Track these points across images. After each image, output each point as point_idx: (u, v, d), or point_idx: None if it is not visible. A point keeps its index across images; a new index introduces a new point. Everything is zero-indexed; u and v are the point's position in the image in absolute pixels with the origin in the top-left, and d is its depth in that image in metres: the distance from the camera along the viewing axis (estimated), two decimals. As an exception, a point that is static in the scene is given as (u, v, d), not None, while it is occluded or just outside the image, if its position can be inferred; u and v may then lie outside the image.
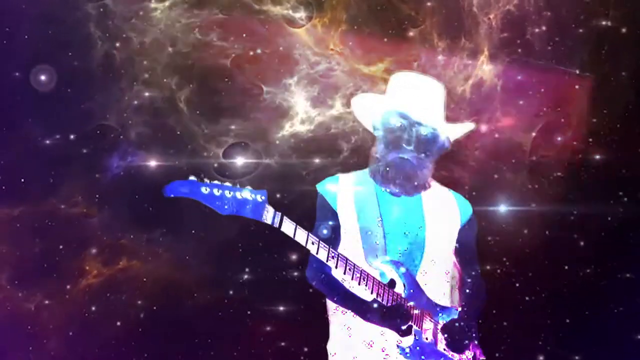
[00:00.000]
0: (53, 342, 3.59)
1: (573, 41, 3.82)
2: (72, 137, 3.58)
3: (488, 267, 3.68)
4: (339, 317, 2.43)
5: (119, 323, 3.65)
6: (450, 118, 2.54)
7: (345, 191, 2.42)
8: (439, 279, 2.44)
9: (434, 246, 2.42)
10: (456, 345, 2.31)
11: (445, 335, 2.32)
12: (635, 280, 3.83)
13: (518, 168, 3.87)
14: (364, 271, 2.26)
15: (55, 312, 3.60)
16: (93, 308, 3.64)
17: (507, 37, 3.81)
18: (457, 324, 2.32)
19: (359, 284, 2.23)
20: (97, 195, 3.63)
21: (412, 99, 2.33)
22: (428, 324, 2.33)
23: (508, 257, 3.81)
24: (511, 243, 3.79)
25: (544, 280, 3.84)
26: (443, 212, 2.46)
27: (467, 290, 2.44)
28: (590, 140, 3.89)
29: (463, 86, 3.81)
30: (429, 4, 3.76)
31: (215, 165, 3.64)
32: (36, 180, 3.55)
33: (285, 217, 2.13)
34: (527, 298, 3.83)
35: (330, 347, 2.47)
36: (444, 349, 2.35)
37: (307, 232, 2.17)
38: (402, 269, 2.32)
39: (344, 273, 2.22)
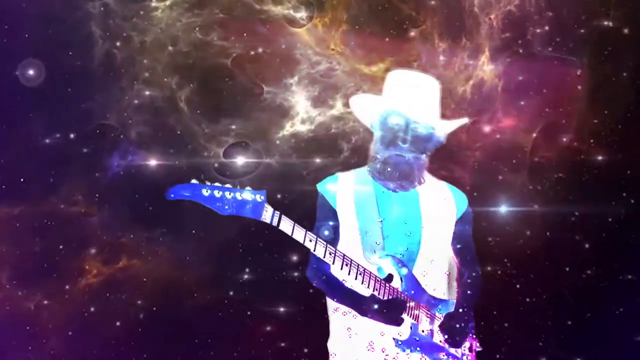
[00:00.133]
0: (53, 342, 3.58)
1: (574, 42, 3.81)
2: (72, 136, 3.57)
3: (489, 268, 3.67)
4: (339, 318, 2.44)
5: (118, 323, 3.65)
6: (451, 118, 2.55)
7: (344, 190, 2.45)
8: (437, 275, 2.47)
9: (432, 246, 2.45)
10: (452, 337, 2.36)
11: (442, 328, 2.36)
12: (637, 282, 3.82)
13: (519, 168, 3.86)
14: (361, 266, 2.29)
15: (54, 311, 3.59)
16: (92, 308, 3.63)
17: (508, 37, 3.81)
18: (453, 317, 2.37)
19: (356, 279, 2.27)
20: (97, 195, 3.63)
21: (407, 98, 2.38)
22: (425, 317, 2.37)
23: (509, 258, 3.80)
24: (512, 244, 3.79)
25: (545, 281, 3.83)
26: (440, 208, 2.49)
27: (464, 282, 2.48)
28: (592, 141, 3.88)
29: (464, 86, 3.81)
30: (430, 3, 3.76)
31: (216, 165, 3.64)
32: (36, 179, 3.55)
33: (283, 216, 2.18)
34: (527, 299, 3.82)
35: (331, 346, 2.49)
36: (441, 341, 2.39)
37: (304, 229, 2.21)
38: (399, 263, 2.35)
39: (341, 268, 2.26)
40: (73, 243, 3.62)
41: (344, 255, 2.27)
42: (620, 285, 3.84)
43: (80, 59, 3.55)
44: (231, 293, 3.73)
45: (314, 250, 2.23)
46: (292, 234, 2.20)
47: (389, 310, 2.26)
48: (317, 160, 3.68)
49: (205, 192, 2.10)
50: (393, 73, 2.50)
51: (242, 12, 3.65)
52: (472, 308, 2.46)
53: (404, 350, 2.34)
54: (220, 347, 3.73)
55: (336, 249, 2.27)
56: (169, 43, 3.64)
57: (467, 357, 2.45)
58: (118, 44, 3.60)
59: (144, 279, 3.69)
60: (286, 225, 2.19)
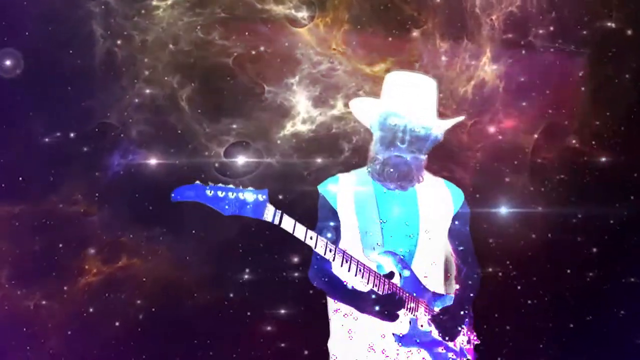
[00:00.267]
0: (52, 341, 3.57)
1: (576, 43, 3.81)
2: (72, 135, 3.57)
3: (490, 270, 3.66)
4: (339, 319, 2.45)
5: (118, 323, 3.64)
6: (450, 117, 2.57)
7: (345, 191, 2.47)
8: (437, 275, 2.49)
9: (430, 245, 2.46)
10: (450, 331, 2.40)
11: (434, 321, 2.39)
12: (638, 284, 3.82)
13: (520, 170, 3.86)
14: (361, 262, 2.31)
15: (54, 311, 3.58)
16: (92, 307, 3.62)
17: (510, 38, 3.81)
18: (447, 310, 2.41)
19: (356, 275, 2.29)
20: (97, 194, 3.62)
21: (405, 99, 2.41)
22: (423, 312, 2.39)
23: (510, 260, 3.80)
24: (513, 245, 3.78)
25: (546, 283, 3.83)
26: (438, 205, 2.51)
27: (462, 278, 2.51)
28: (593, 142, 3.87)
29: (465, 87, 3.81)
30: (431, 4, 3.76)
31: (216, 164, 3.63)
32: (36, 178, 3.54)
33: (284, 215, 2.21)
34: (529, 301, 3.82)
35: (331, 348, 2.49)
36: (438, 335, 2.41)
37: (305, 227, 2.25)
38: (399, 260, 2.37)
39: (341, 265, 2.28)
40: (73, 242, 3.62)
41: (344, 252, 2.30)
42: (621, 287, 3.84)
43: (81, 57, 3.55)
44: (231, 294, 3.72)
45: (315, 248, 2.25)
46: (293, 232, 2.23)
47: (387, 305, 2.28)
48: (318, 160, 3.68)
49: (209, 193, 2.15)
50: (391, 74, 2.54)
51: (243, 11, 3.65)
52: (470, 302, 2.49)
53: (405, 346, 2.36)
54: (220, 348, 3.72)
55: (336, 246, 2.29)
56: (170, 42, 3.64)
57: (466, 351, 2.48)
58: (119, 42, 3.60)
59: (144, 279, 3.68)
60: (287, 224, 2.22)
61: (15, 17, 3.46)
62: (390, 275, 2.33)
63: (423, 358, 2.38)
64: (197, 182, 2.15)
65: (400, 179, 2.41)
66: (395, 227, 2.42)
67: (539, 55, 3.82)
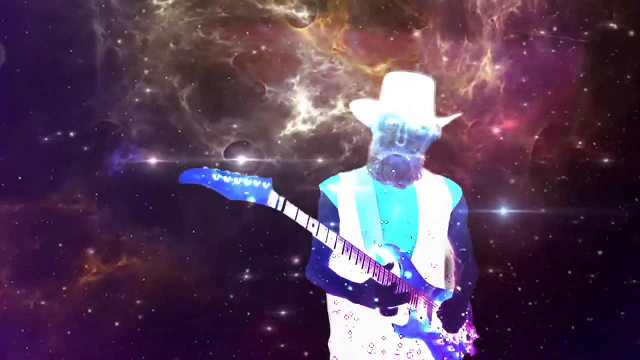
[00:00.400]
0: (51, 341, 3.57)
1: (576, 44, 3.81)
2: (73, 134, 3.56)
3: (490, 271, 3.67)
4: (340, 320, 2.45)
5: (117, 323, 3.63)
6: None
7: (346, 191, 2.48)
8: (437, 275, 2.50)
9: (431, 245, 2.47)
10: (449, 324, 2.41)
11: (438, 314, 2.41)
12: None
13: (521, 170, 3.86)
14: (362, 252, 2.33)
15: (53, 310, 3.58)
16: (91, 307, 3.61)
17: (511, 39, 3.81)
18: (449, 303, 2.43)
19: (356, 264, 2.31)
20: (97, 193, 3.62)
21: (402, 99, 2.44)
22: (422, 305, 2.40)
23: (511, 261, 3.80)
24: (514, 247, 3.78)
25: (547, 284, 3.82)
26: (437, 202, 2.52)
27: (461, 273, 2.53)
28: (594, 143, 3.87)
29: (466, 87, 3.81)
30: (432, 4, 3.76)
31: (217, 164, 3.62)
32: (36, 177, 3.54)
33: (287, 202, 2.24)
34: (530, 303, 3.81)
35: (331, 348, 2.49)
36: (438, 328, 2.43)
37: (307, 215, 2.27)
38: (399, 251, 2.39)
39: (342, 253, 2.29)
40: (73, 242, 3.61)
41: (345, 240, 2.31)
42: (622, 289, 3.83)
43: (81, 57, 3.55)
44: (231, 294, 3.72)
45: (316, 235, 2.28)
46: (295, 219, 2.26)
47: (386, 295, 2.29)
48: (319, 160, 3.68)
49: (215, 177, 2.20)
50: (389, 75, 2.55)
51: (244, 11, 3.65)
52: (469, 296, 2.51)
53: (405, 337, 2.37)
54: (220, 348, 3.72)
55: (337, 234, 2.31)
56: (171, 41, 3.64)
57: (465, 345, 2.49)
58: (119, 42, 3.60)
59: (143, 279, 3.68)
60: (290, 211, 2.25)
61: (16, 16, 3.46)
62: (390, 265, 2.35)
63: (419, 343, 2.40)
64: (205, 167, 2.20)
65: (398, 178, 2.42)
66: (396, 228, 2.43)
67: (540, 56, 3.82)
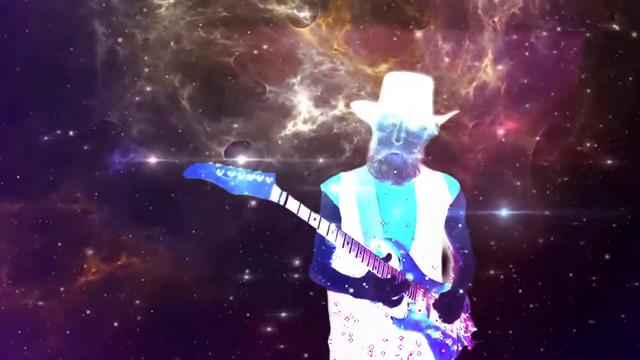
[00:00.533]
0: (50, 341, 3.56)
1: (578, 45, 3.81)
2: (73, 133, 3.56)
3: (492, 272, 3.67)
4: (340, 321, 2.47)
5: (116, 323, 3.63)
6: (452, 119, 2.59)
7: (347, 190, 2.52)
8: (436, 276, 2.52)
9: (430, 244, 2.51)
10: (447, 317, 2.46)
11: (435, 305, 2.45)
12: (641, 288, 3.81)
13: (522, 172, 3.85)
14: (362, 245, 2.36)
15: (53, 310, 3.57)
16: (91, 307, 3.60)
17: (512, 40, 3.81)
18: (446, 295, 2.47)
19: (356, 257, 2.34)
20: (97, 193, 3.61)
21: (400, 98, 2.47)
22: (421, 297, 2.44)
23: (512, 263, 3.79)
24: (515, 248, 3.78)
25: (548, 286, 3.82)
26: (435, 198, 2.55)
27: (459, 268, 2.57)
28: (596, 145, 3.86)
29: (467, 88, 3.81)
30: (434, 5, 3.76)
31: (217, 164, 3.61)
32: (36, 176, 3.53)
33: (290, 196, 2.29)
34: (531, 305, 3.80)
35: (331, 349, 2.50)
36: (436, 320, 2.46)
37: (309, 209, 2.32)
38: (398, 245, 2.42)
39: (342, 246, 2.33)
40: (72, 241, 3.60)
41: (346, 234, 2.35)
42: (624, 291, 3.82)
43: (82, 56, 3.55)
44: (231, 294, 3.71)
45: (318, 228, 2.31)
46: (297, 213, 2.29)
47: (386, 287, 2.32)
48: (319, 160, 3.68)
49: (219, 172, 2.25)
50: (388, 75, 2.58)
51: (245, 11, 3.65)
52: (466, 287, 2.54)
53: (403, 329, 2.39)
54: (220, 348, 3.71)
55: (338, 228, 2.35)
56: (171, 41, 3.63)
57: (463, 338, 2.53)
58: (120, 41, 3.59)
59: (143, 279, 3.67)
60: (292, 205, 2.29)
61: (16, 16, 3.46)
62: (388, 257, 2.38)
63: (417, 335, 2.42)
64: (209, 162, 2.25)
65: (397, 176, 2.46)
66: (396, 229, 2.46)
67: (541, 57, 3.82)
